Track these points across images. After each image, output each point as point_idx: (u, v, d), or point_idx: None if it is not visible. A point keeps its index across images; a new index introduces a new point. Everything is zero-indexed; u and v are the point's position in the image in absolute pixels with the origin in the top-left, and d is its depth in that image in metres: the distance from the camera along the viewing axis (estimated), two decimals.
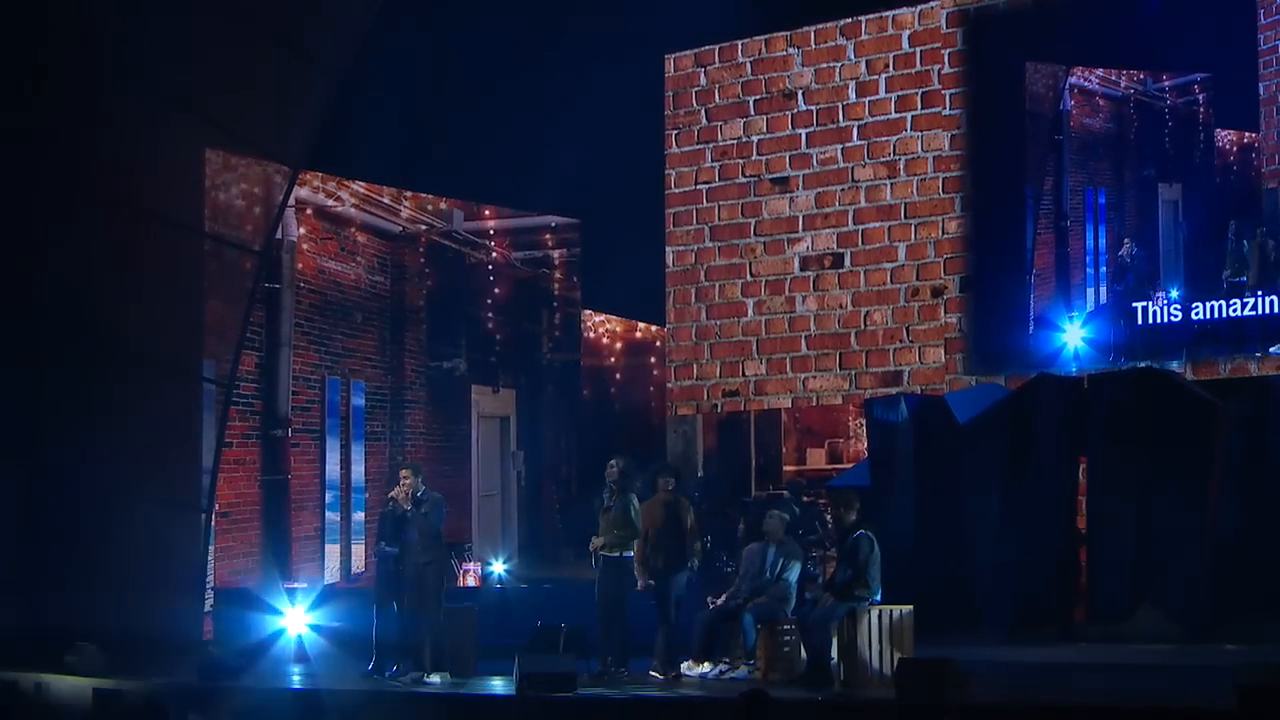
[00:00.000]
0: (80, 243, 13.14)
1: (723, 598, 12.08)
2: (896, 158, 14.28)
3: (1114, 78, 13.69)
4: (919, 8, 14.24)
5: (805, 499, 14.48)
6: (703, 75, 15.28)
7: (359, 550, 15.59)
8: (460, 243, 16.99)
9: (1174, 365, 12.80)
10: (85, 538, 13.12)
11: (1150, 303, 13.01)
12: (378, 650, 12.10)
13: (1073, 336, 13.41)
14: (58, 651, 11.93)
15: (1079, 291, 13.59)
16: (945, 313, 13.98)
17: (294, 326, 15.31)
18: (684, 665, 11.60)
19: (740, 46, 15.10)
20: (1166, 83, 13.37)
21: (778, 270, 14.77)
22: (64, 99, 13.11)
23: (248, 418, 14.96)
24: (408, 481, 12.15)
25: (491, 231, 17.26)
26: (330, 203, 15.86)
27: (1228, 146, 13.06)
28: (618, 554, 11.76)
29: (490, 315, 17.19)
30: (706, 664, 11.74)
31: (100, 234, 13.28)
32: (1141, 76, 13.50)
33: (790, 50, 14.89)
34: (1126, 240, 13.42)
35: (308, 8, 14.27)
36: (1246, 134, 12.88)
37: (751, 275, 14.91)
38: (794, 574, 11.85)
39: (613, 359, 18.32)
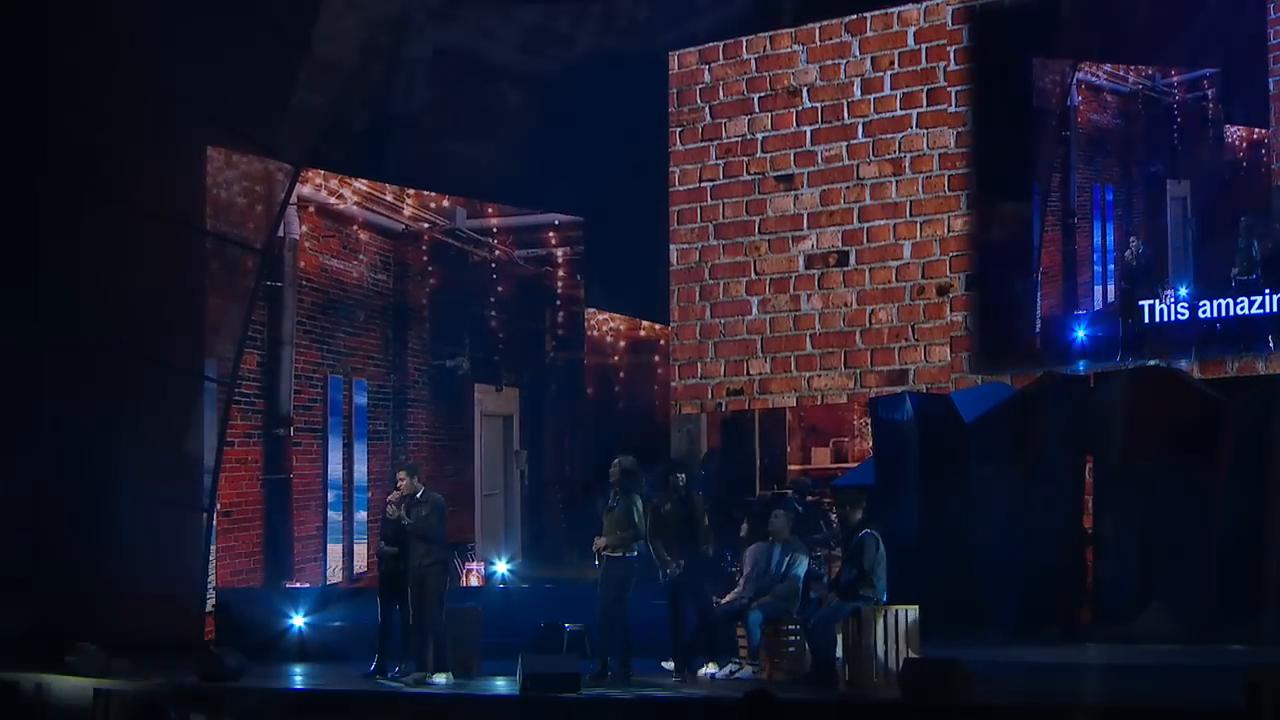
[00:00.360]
0: (82, 241, 13.10)
1: (727, 597, 12.05)
2: (902, 155, 14.20)
3: (1122, 73, 13.61)
4: (924, 4, 14.14)
5: (810, 498, 14.41)
6: (707, 72, 15.20)
7: (361, 550, 15.53)
8: (463, 241, 16.92)
9: (1182, 364, 12.72)
10: (86, 537, 13.08)
11: (1158, 301, 12.93)
12: (380, 650, 12.07)
13: (1079, 335, 13.34)
14: (58, 651, 11.89)
15: (1086, 289, 13.51)
16: (951, 311, 13.89)
17: (296, 325, 15.25)
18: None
19: (744, 43, 15.01)
20: (1175, 78, 13.29)
21: (782, 268, 14.70)
22: (66, 97, 13.07)
23: (249, 416, 14.90)
24: (404, 483, 12.11)
25: (494, 229, 17.19)
26: (332, 200, 15.81)
27: (1237, 143, 12.97)
28: (620, 554, 11.71)
29: (493, 313, 17.12)
30: (712, 664, 11.71)
31: (102, 232, 13.24)
32: (1150, 72, 13.42)
33: (795, 47, 14.81)
34: (1133, 238, 13.35)
35: (312, 5, 14.30)
36: (1256, 130, 12.79)
37: (756, 273, 14.83)
38: (801, 569, 11.83)
39: (616, 357, 18.25)
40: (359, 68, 14.67)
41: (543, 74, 15.36)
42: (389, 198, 16.27)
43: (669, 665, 11.75)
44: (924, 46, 14.19)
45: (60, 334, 13.07)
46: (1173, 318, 12.87)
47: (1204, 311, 12.73)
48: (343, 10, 14.54)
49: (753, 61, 15.00)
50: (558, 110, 15.28)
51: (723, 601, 11.97)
